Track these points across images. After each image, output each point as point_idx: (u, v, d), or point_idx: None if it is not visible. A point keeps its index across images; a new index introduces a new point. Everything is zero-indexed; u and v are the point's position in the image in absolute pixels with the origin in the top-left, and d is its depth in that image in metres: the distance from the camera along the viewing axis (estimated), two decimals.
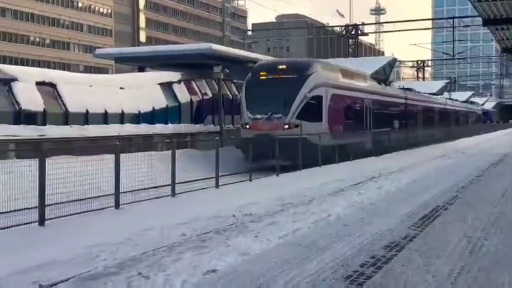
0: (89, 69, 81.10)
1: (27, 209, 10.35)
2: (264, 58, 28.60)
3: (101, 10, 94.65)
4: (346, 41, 55.21)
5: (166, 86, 26.34)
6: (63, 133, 19.48)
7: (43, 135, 18.50)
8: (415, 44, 69.08)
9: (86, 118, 21.57)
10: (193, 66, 27.41)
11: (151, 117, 24.44)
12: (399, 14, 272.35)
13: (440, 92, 55.43)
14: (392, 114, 33.76)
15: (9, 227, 9.37)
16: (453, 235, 9.29)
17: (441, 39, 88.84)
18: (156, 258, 7.64)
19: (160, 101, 25.39)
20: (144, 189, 13.79)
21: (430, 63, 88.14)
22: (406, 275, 6.97)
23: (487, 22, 24.93)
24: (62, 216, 10.26)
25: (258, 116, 22.10)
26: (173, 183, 13.66)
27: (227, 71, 27.58)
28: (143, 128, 23.21)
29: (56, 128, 19.49)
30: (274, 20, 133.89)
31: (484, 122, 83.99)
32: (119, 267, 7.15)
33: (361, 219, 10.78)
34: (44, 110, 19.96)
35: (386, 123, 31.34)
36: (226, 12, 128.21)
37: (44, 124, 19.57)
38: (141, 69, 29.81)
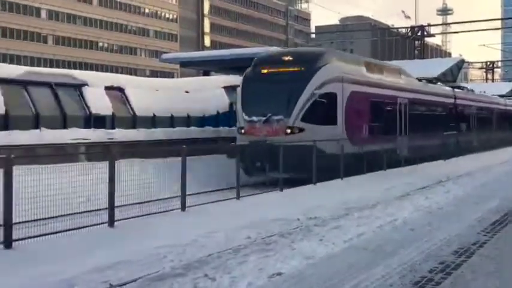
0: (155, 74, 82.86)
1: (97, 210, 10.66)
2: None
3: (167, 16, 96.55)
4: (412, 42, 54.32)
5: (231, 89, 26.56)
6: (131, 136, 19.95)
7: (112, 139, 18.99)
8: (484, 45, 67.45)
9: (153, 121, 22.03)
10: None
11: (215, 120, 24.70)
12: (467, 14, 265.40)
13: (510, 94, 53.61)
14: (437, 116, 28.87)
15: (82, 227, 9.68)
16: None
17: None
18: (221, 260, 7.72)
19: (224, 104, 25.64)
20: (210, 191, 13.92)
21: (499, 64, 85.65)
22: (477, 282, 6.78)
23: None
24: (130, 218, 10.51)
25: (255, 119, 18.22)
26: (238, 187, 13.66)
27: None
28: (208, 131, 23.49)
29: (124, 132, 19.98)
30: (338, 23, 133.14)
31: None
32: (185, 269, 7.26)
33: (429, 223, 10.57)
34: (113, 113, 20.50)
35: (428, 126, 26.65)
36: (290, 16, 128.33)
37: (112, 127, 20.08)
38: (206, 73, 30.17)
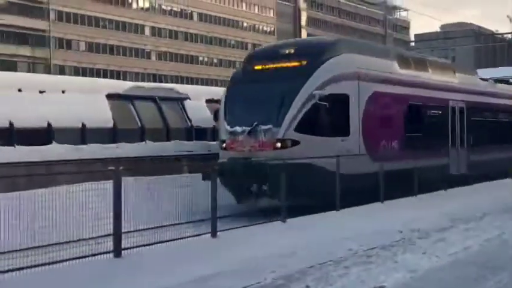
0: None
1: (200, 220, 10.97)
2: None
3: (265, 29, 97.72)
4: None
5: None
6: None
7: (210, 151, 19.42)
8: None
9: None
10: None
11: None
12: None
13: None
14: (505, 123, 23.66)
15: (186, 237, 9.99)
16: None
17: None
18: (322, 272, 7.71)
19: None
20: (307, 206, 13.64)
21: None
22: None
23: None
24: (231, 229, 10.72)
25: (238, 129, 14.31)
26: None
27: None
28: None
29: None
30: (438, 30, 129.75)
31: None
32: (286, 280, 7.32)
33: None
34: (214, 126, 20.95)
35: (494, 135, 21.89)
36: (388, 25, 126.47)
37: (213, 140, 20.52)
38: None
